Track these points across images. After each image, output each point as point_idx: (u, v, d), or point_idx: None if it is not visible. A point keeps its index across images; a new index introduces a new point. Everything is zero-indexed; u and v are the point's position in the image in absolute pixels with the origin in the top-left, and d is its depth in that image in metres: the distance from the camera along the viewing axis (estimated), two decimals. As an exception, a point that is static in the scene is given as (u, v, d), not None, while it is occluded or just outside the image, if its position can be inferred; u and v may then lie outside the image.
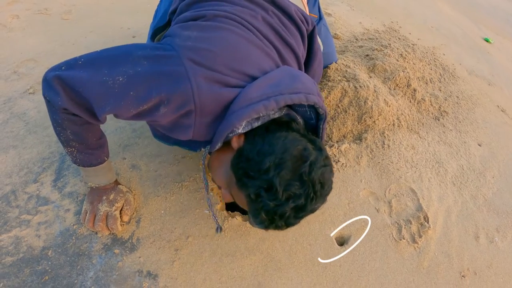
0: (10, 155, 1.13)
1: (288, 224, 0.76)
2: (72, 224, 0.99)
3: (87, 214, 0.97)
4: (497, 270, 1.16)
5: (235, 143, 0.81)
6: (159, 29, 1.08)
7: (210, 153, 0.88)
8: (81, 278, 0.90)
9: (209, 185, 0.98)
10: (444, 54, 2.10)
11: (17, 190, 1.04)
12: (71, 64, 0.75)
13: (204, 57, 0.75)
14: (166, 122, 0.80)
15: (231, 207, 1.18)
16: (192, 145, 0.92)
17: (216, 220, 0.98)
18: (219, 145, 0.81)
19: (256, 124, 0.80)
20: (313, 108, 0.86)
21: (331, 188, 0.80)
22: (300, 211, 0.74)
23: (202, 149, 0.91)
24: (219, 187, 0.89)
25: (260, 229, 0.81)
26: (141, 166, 1.16)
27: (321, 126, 0.89)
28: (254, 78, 0.80)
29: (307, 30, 1.01)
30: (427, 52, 1.92)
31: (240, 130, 0.79)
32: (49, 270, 0.91)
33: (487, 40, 2.59)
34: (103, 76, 0.72)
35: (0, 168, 1.09)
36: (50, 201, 1.03)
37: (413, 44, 1.90)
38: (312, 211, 0.77)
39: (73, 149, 0.89)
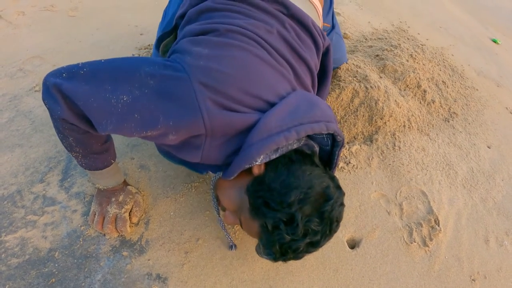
0: (16, 154, 1.11)
1: (295, 258, 0.76)
2: (79, 225, 0.98)
3: (96, 216, 0.96)
4: (506, 273, 1.15)
5: (256, 170, 0.77)
6: (166, 34, 1.02)
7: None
8: (89, 281, 0.89)
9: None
10: (452, 55, 2.08)
11: (23, 190, 1.03)
12: (72, 72, 0.70)
13: (217, 80, 0.70)
14: (174, 143, 0.76)
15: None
16: (199, 167, 0.88)
17: (230, 238, 0.97)
18: (235, 175, 0.77)
19: (274, 156, 0.76)
20: (331, 134, 0.83)
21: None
22: (313, 247, 0.75)
23: (210, 172, 0.87)
24: (224, 209, 0.86)
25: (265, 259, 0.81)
26: (150, 166, 1.14)
27: (336, 152, 0.86)
28: (269, 103, 0.76)
29: (323, 45, 0.97)
30: (436, 53, 1.90)
31: (259, 162, 0.75)
32: (56, 273, 0.89)
33: (494, 41, 2.56)
34: (106, 92, 0.68)
35: (5, 168, 1.07)
36: (56, 201, 1.02)
37: (422, 45, 1.87)
38: (320, 247, 0.77)
39: (78, 154, 0.86)
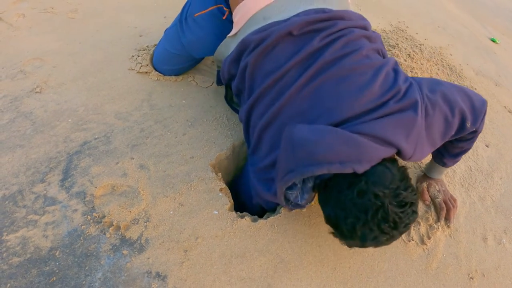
0: (17, 155, 1.12)
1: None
2: (80, 225, 0.99)
3: None
4: (504, 271, 1.15)
5: None
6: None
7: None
8: (89, 279, 0.90)
9: None
10: (451, 54, 2.09)
11: (24, 190, 1.04)
12: None
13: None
14: None
15: (240, 208, 1.17)
16: None
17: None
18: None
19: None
20: None
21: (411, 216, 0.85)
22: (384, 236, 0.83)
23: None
24: None
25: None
26: (150, 166, 1.15)
27: None
28: None
29: None
30: (434, 52, 1.91)
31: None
32: (57, 271, 0.90)
33: (493, 40, 2.57)
34: None
35: (7, 168, 1.08)
36: (57, 201, 1.03)
37: (420, 44, 1.89)
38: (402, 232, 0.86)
39: None
